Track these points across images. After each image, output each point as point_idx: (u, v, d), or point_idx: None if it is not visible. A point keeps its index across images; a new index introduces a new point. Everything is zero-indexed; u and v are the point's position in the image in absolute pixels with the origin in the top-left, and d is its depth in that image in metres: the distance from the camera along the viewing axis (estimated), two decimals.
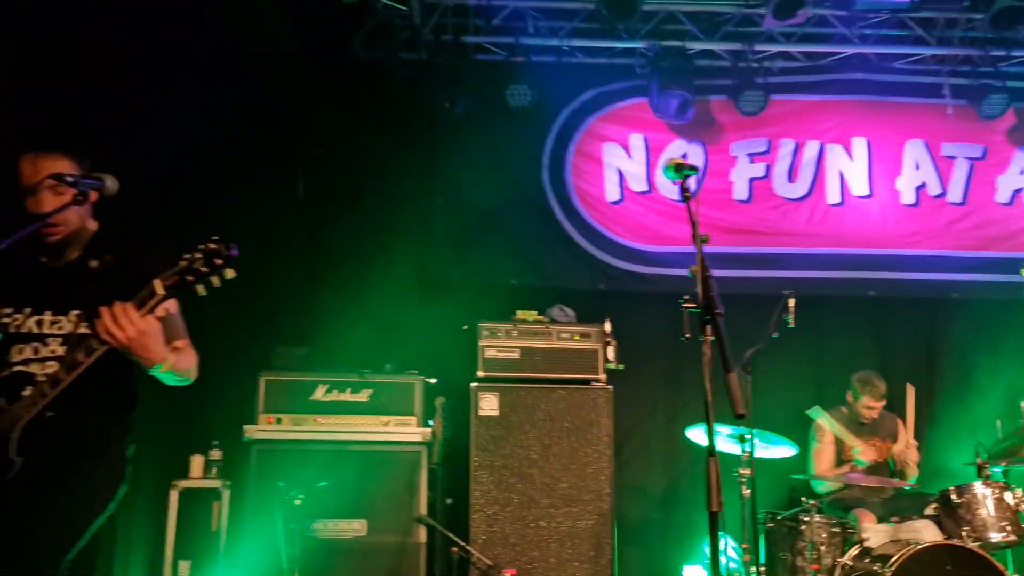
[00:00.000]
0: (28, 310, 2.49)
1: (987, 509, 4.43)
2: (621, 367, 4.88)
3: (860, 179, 6.40)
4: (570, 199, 6.22)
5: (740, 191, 6.31)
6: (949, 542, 4.33)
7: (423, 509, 4.48)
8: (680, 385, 6.13)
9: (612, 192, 6.27)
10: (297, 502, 4.18)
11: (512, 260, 6.10)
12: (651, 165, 6.31)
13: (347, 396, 4.54)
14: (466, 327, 4.94)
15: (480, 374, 4.63)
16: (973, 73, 6.34)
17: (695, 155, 6.32)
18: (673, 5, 6.01)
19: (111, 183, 2.41)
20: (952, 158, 6.53)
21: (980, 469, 4.58)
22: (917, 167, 6.49)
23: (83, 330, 2.42)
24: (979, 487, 4.48)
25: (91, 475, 2.45)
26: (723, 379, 2.16)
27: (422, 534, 4.45)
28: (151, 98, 4.82)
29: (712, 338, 2.47)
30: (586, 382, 4.71)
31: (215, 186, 5.21)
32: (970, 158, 6.55)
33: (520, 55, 6.11)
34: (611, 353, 4.80)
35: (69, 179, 2.28)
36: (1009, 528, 4.38)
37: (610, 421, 4.68)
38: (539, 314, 4.90)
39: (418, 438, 4.56)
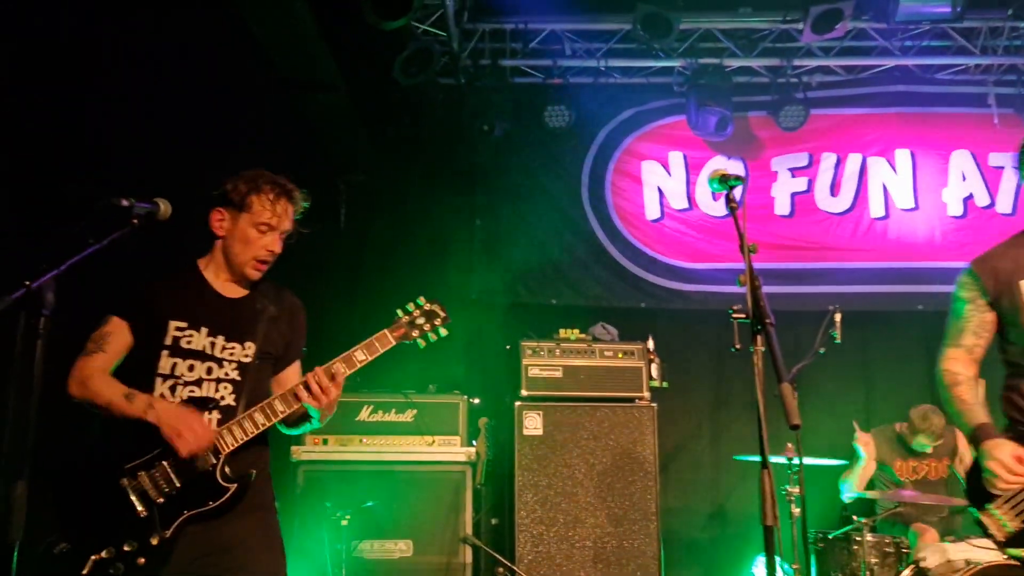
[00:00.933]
0: (205, 330, 2.62)
1: None
2: (665, 385, 4.84)
3: (905, 192, 6.31)
4: (610, 218, 6.23)
5: (782, 206, 6.26)
6: (1009, 562, 4.20)
7: (468, 529, 4.48)
8: (723, 403, 6.08)
9: (652, 210, 6.27)
10: (344, 522, 4.22)
11: (553, 280, 6.13)
12: (691, 182, 6.30)
13: (392, 416, 4.57)
14: (508, 346, 4.96)
15: (524, 393, 4.63)
16: (1019, 82, 6.24)
17: (735, 171, 6.26)
18: (709, 23, 6.02)
19: (164, 207, 2.47)
20: (1000, 168, 6.40)
21: None
22: (964, 178, 6.38)
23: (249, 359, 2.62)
24: None
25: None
26: (776, 390, 2.13)
27: (467, 554, 4.45)
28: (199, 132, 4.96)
29: (763, 349, 2.43)
30: (630, 400, 4.69)
31: None
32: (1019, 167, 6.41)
33: (557, 77, 6.17)
34: (655, 371, 4.78)
35: (124, 203, 2.34)
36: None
37: (655, 440, 4.64)
38: (581, 332, 4.89)
39: (462, 458, 4.57)
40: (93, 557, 2.36)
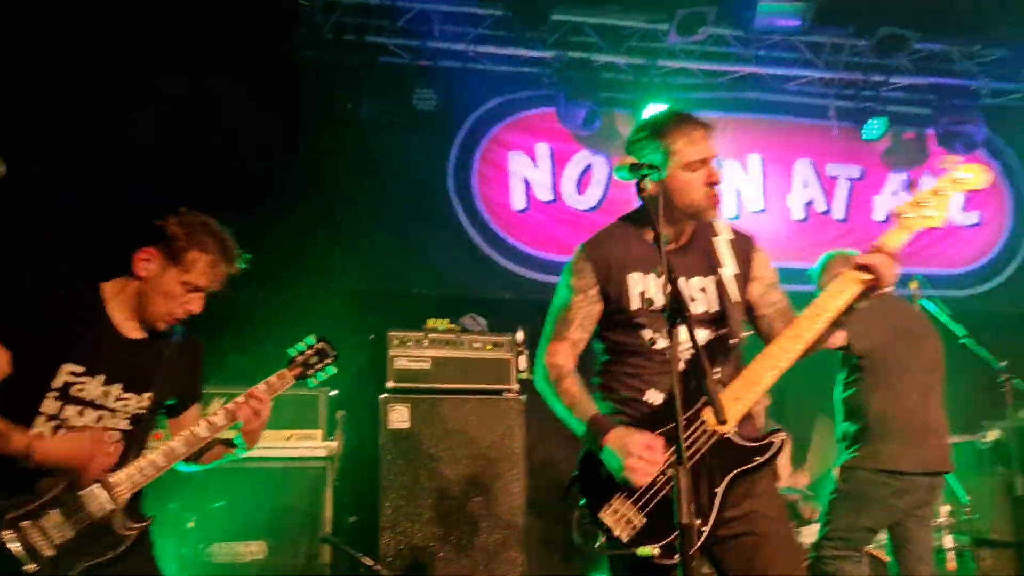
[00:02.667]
0: (101, 377, 2.38)
1: None
2: (532, 377, 4.78)
3: (755, 195, 6.62)
4: (476, 207, 6.13)
5: None
6: None
7: (328, 528, 4.24)
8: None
9: (518, 201, 6.22)
10: (190, 525, 3.88)
11: (417, 268, 5.95)
12: (557, 175, 6.32)
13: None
14: (373, 336, 4.73)
15: (390, 385, 4.43)
16: (856, 96, 6.69)
17: (599, 166, 6.37)
18: (580, 17, 6.05)
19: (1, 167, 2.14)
20: (835, 177, 6.86)
21: None
22: (805, 185, 6.78)
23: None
24: None
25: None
26: (704, 385, 2.07)
27: (327, 554, 4.21)
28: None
29: (681, 342, 2.36)
30: (499, 392, 4.59)
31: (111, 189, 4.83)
32: (851, 178, 6.91)
33: (426, 59, 5.99)
34: (523, 363, 4.71)
35: None
36: None
37: (523, 433, 4.58)
38: (450, 323, 4.74)
39: (323, 453, 4.32)
40: None
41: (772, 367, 2.35)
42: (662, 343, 2.35)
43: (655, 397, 2.41)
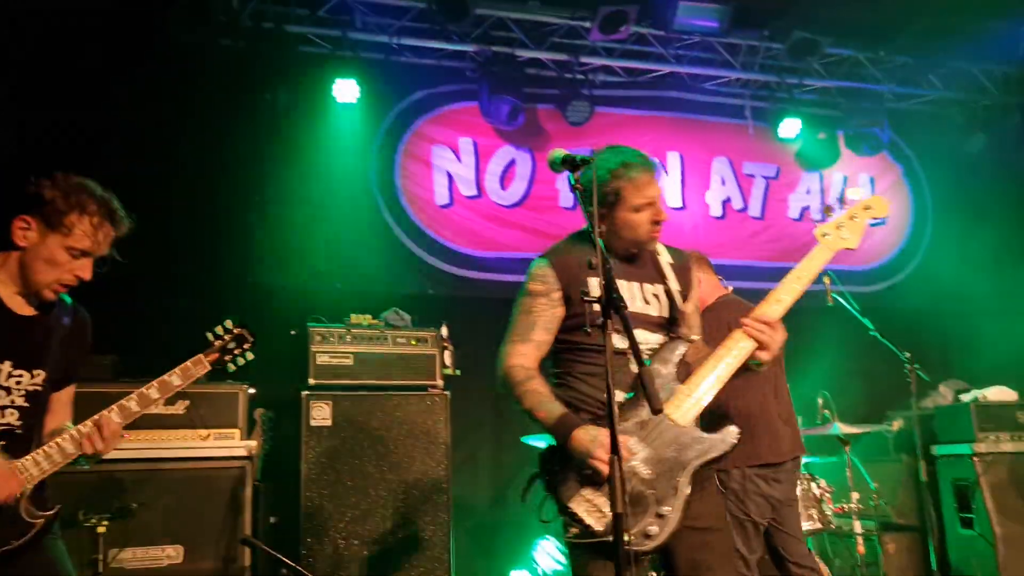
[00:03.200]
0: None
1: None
2: (458, 373, 4.77)
3: (674, 192, 6.75)
4: (399, 201, 6.06)
5: (566, 198, 6.44)
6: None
7: (248, 530, 4.12)
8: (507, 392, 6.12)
9: (441, 196, 6.18)
10: (100, 530, 3.70)
11: (338, 263, 5.83)
12: (480, 170, 6.30)
13: (160, 408, 4.07)
14: (294, 332, 4.63)
15: (311, 381, 4.34)
16: (771, 97, 6.90)
17: (523, 162, 6.39)
18: (503, 12, 6.04)
19: None
20: (752, 176, 7.06)
21: None
22: (723, 182, 6.95)
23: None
24: None
25: None
26: (639, 373, 2.11)
27: (247, 557, 4.09)
28: None
29: (615, 331, 2.41)
30: (423, 388, 4.55)
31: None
32: (766, 177, 7.11)
33: (347, 50, 5.88)
34: (448, 358, 4.68)
35: None
36: (816, 516, 4.72)
37: (447, 429, 4.55)
38: (373, 318, 4.67)
39: (242, 452, 4.18)
40: None
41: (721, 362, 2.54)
42: (621, 343, 2.43)
43: (619, 395, 2.48)
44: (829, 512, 4.81)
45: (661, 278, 2.72)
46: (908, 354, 5.53)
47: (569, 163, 2.31)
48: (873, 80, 6.95)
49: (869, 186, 7.37)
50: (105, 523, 3.71)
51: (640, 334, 2.52)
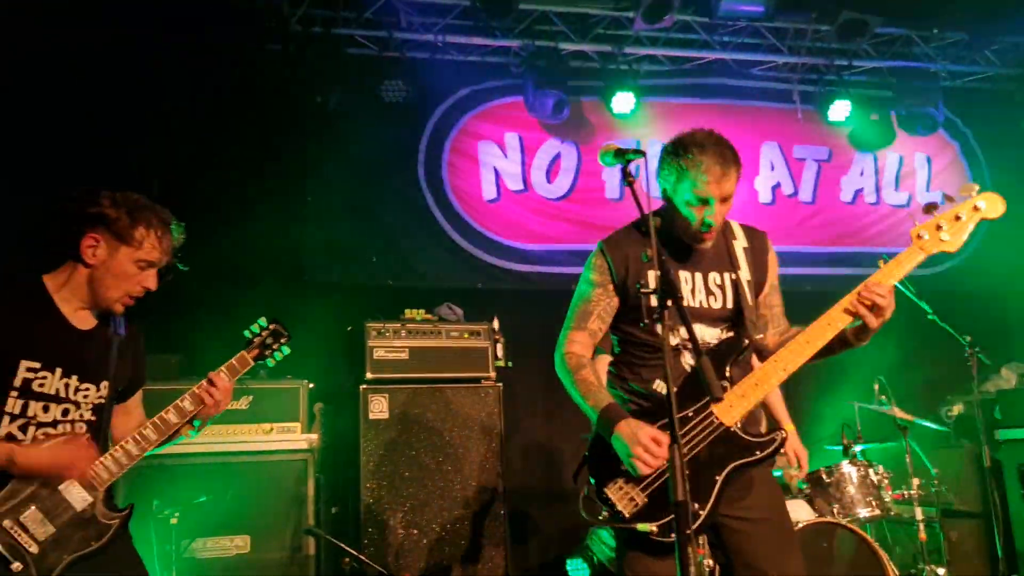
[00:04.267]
0: (60, 370, 2.38)
1: (855, 487, 4.72)
2: (509, 365, 4.83)
3: None
4: (447, 197, 6.14)
5: (612, 190, 6.45)
6: (822, 519, 4.58)
7: (311, 520, 4.25)
8: (558, 383, 6.14)
9: (489, 191, 6.25)
10: (173, 521, 3.86)
11: (389, 260, 5.95)
12: (526, 164, 6.35)
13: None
14: (350, 328, 4.74)
15: (369, 376, 4.45)
16: (820, 80, 6.80)
17: (568, 155, 6.42)
18: (546, 6, 6.07)
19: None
20: (803, 160, 6.97)
21: (846, 449, 4.87)
22: (772, 168, 6.88)
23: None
24: (846, 466, 4.76)
25: None
26: (697, 364, 2.15)
27: (311, 546, 4.22)
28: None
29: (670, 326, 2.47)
30: (476, 380, 4.64)
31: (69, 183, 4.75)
32: (818, 159, 7.02)
33: (394, 50, 5.99)
34: (500, 351, 4.75)
35: None
36: (874, 503, 4.68)
37: (501, 420, 4.63)
38: (427, 313, 4.77)
39: (304, 445, 4.33)
40: None
41: (780, 369, 2.49)
42: (673, 340, 2.49)
43: (662, 388, 2.53)
44: (888, 499, 4.77)
45: (732, 266, 2.65)
46: (968, 338, 5.42)
47: (620, 155, 2.34)
48: (926, 59, 6.81)
49: (926, 166, 7.23)
50: (177, 515, 3.87)
51: (697, 328, 2.53)
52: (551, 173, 6.39)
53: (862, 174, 7.08)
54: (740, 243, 2.69)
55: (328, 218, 5.85)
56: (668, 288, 2.16)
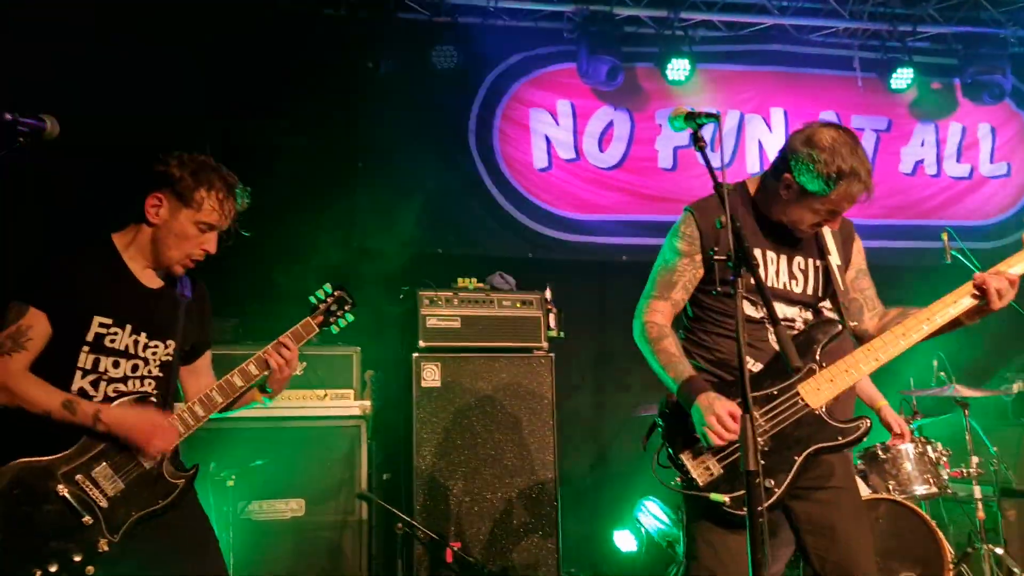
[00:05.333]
0: (129, 327, 2.43)
1: (911, 464, 4.63)
2: (562, 335, 4.80)
3: (778, 149, 6.53)
4: (498, 165, 6.09)
5: (665, 159, 6.35)
6: (877, 495, 4.50)
7: (363, 485, 4.29)
8: (607, 353, 6.14)
9: (540, 159, 6.18)
10: (229, 483, 3.92)
11: (438, 227, 5.92)
12: (578, 132, 6.26)
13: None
14: (402, 296, 4.75)
15: (421, 344, 4.45)
16: (882, 47, 6.58)
17: (621, 123, 6.32)
18: None
19: (52, 125, 2.13)
20: (861, 130, 6.77)
21: None
22: None
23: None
24: (904, 443, 4.67)
25: None
26: (775, 333, 2.10)
27: (363, 511, 4.27)
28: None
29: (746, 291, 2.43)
30: (528, 351, 4.62)
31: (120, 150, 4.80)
32: (876, 130, 6.82)
33: (445, 15, 5.92)
34: (552, 321, 4.72)
35: (8, 117, 1.97)
36: (931, 481, 4.59)
37: (552, 390, 4.61)
38: (478, 281, 4.75)
39: (357, 411, 4.36)
40: (38, 572, 2.17)
41: (872, 358, 2.46)
42: (757, 313, 2.49)
43: (749, 363, 2.48)
44: (945, 476, 4.67)
45: (820, 252, 2.62)
46: None
47: (690, 119, 2.27)
48: (994, 24, 6.54)
49: (990, 137, 6.98)
50: (234, 477, 3.93)
51: (778, 307, 2.52)
52: (603, 141, 6.30)
53: (923, 145, 6.87)
54: (829, 230, 2.65)
55: (379, 184, 5.84)
56: (742, 256, 2.10)
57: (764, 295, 2.16)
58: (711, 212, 2.55)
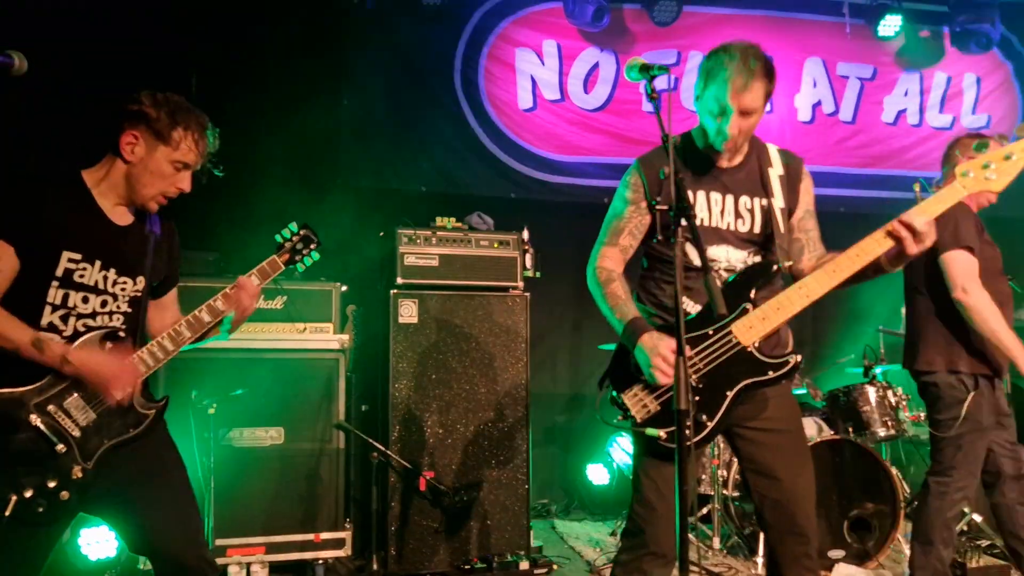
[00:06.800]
0: (99, 263, 2.46)
1: (871, 407, 4.80)
2: (538, 275, 4.91)
3: None
4: (483, 105, 6.11)
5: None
6: (836, 437, 4.69)
7: (341, 416, 4.44)
8: (585, 295, 6.20)
9: (525, 99, 6.20)
10: (211, 411, 4.07)
11: (421, 166, 5.97)
12: (564, 73, 6.26)
13: (260, 303, 4.34)
14: (382, 233, 4.83)
15: (399, 281, 4.55)
16: None
17: (607, 64, 6.31)
18: None
19: (20, 61, 2.16)
20: (846, 77, 6.79)
21: (867, 371, 4.94)
22: (814, 85, 6.72)
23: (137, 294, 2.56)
24: (865, 387, 4.84)
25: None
26: (704, 282, 2.20)
27: (340, 440, 4.43)
28: None
29: (685, 239, 2.54)
30: (504, 290, 4.72)
31: (99, 84, 4.80)
32: (861, 78, 6.84)
33: None
34: (529, 261, 4.82)
35: None
36: (890, 424, 4.77)
37: (527, 329, 4.72)
38: (457, 221, 4.82)
39: (336, 345, 4.48)
40: (13, 497, 2.26)
41: (804, 295, 2.54)
42: (698, 260, 2.55)
43: (689, 306, 2.63)
44: (905, 420, 4.86)
45: (765, 192, 2.67)
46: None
47: (645, 70, 2.33)
48: None
49: (975, 87, 7.01)
50: (215, 405, 4.07)
51: (723, 250, 2.65)
52: (588, 83, 6.31)
53: (906, 94, 6.90)
54: (776, 170, 2.70)
55: (363, 122, 5.86)
56: (681, 205, 2.19)
57: (699, 244, 2.26)
58: (656, 163, 2.68)
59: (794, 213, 2.72)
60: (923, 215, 2.44)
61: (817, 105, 6.73)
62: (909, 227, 2.42)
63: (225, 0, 5.40)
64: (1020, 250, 5.91)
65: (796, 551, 2.60)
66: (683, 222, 2.21)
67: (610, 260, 2.70)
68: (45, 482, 2.30)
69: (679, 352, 2.09)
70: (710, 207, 2.66)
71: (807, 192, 2.77)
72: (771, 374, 2.55)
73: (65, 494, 2.33)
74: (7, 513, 2.24)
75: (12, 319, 2.32)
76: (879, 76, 6.84)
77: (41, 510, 2.29)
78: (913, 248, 2.44)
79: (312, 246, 2.79)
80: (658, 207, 2.32)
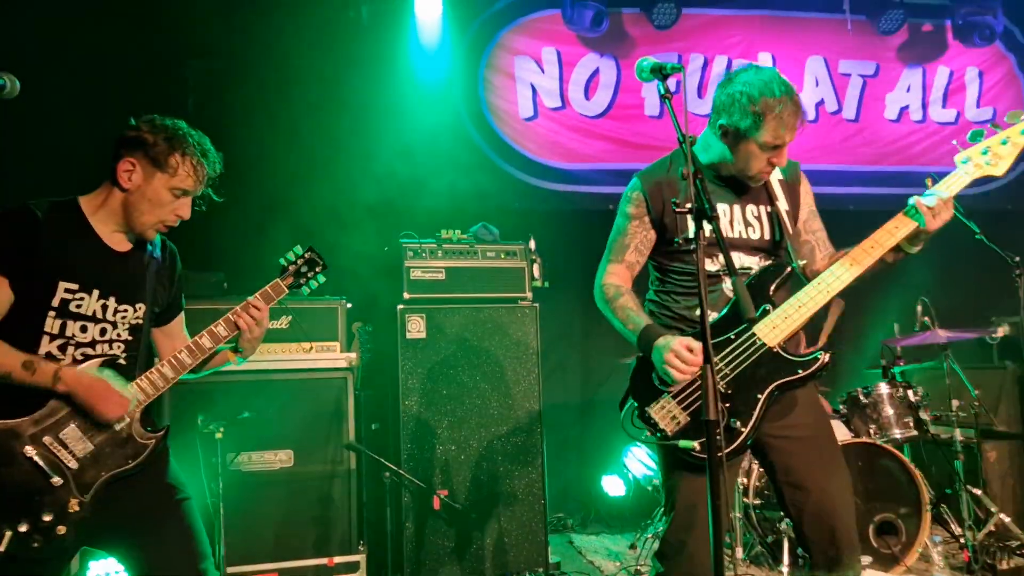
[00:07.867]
0: (96, 292, 2.40)
1: (891, 407, 4.70)
2: (546, 285, 4.82)
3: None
4: (483, 115, 6.05)
5: (652, 106, 6.30)
6: (858, 439, 4.58)
7: (352, 436, 4.35)
8: (594, 303, 6.14)
9: (525, 108, 6.13)
10: (218, 435, 3.97)
11: (425, 179, 5.89)
12: (564, 80, 6.20)
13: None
14: (387, 248, 4.75)
15: (406, 296, 4.47)
16: None
17: (607, 70, 6.25)
18: None
19: (11, 83, 2.10)
20: (847, 75, 6.73)
21: (885, 370, 4.84)
22: (817, 84, 6.65)
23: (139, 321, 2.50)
24: (884, 387, 4.74)
25: None
26: (732, 284, 2.12)
27: (352, 461, 4.33)
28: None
29: (706, 242, 2.45)
30: (513, 301, 4.64)
31: (93, 101, 4.75)
32: (863, 75, 6.77)
33: None
34: (536, 271, 4.73)
35: None
36: (911, 424, 4.67)
37: (538, 339, 4.64)
38: (462, 233, 4.74)
39: (343, 363, 4.39)
40: (8, 533, 2.18)
41: (824, 290, 2.51)
42: (713, 266, 2.56)
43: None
44: (926, 419, 4.75)
45: (769, 199, 2.67)
46: (1016, 258, 5.28)
47: (656, 72, 2.26)
48: None
49: (978, 80, 6.93)
50: (222, 429, 3.97)
51: (735, 258, 2.62)
52: (589, 89, 6.24)
53: (908, 90, 6.83)
54: (775, 175, 2.71)
55: (364, 135, 5.79)
56: (703, 208, 2.12)
57: (723, 246, 2.19)
58: (656, 176, 2.67)
59: (798, 216, 2.72)
60: (937, 195, 2.46)
61: (820, 104, 6.66)
62: (926, 205, 2.45)
63: (224, 17, 5.33)
64: None
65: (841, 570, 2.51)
66: (705, 225, 2.12)
67: (617, 276, 2.68)
68: (41, 516, 2.23)
69: (706, 359, 2.01)
70: (719, 215, 2.63)
71: (807, 193, 2.78)
72: (801, 372, 2.50)
73: (62, 529, 2.25)
74: (2, 549, 2.16)
75: (2, 345, 2.26)
76: (882, 72, 6.77)
77: (37, 545, 2.21)
78: (933, 223, 2.45)
79: (317, 269, 2.72)
80: (677, 210, 2.24)
